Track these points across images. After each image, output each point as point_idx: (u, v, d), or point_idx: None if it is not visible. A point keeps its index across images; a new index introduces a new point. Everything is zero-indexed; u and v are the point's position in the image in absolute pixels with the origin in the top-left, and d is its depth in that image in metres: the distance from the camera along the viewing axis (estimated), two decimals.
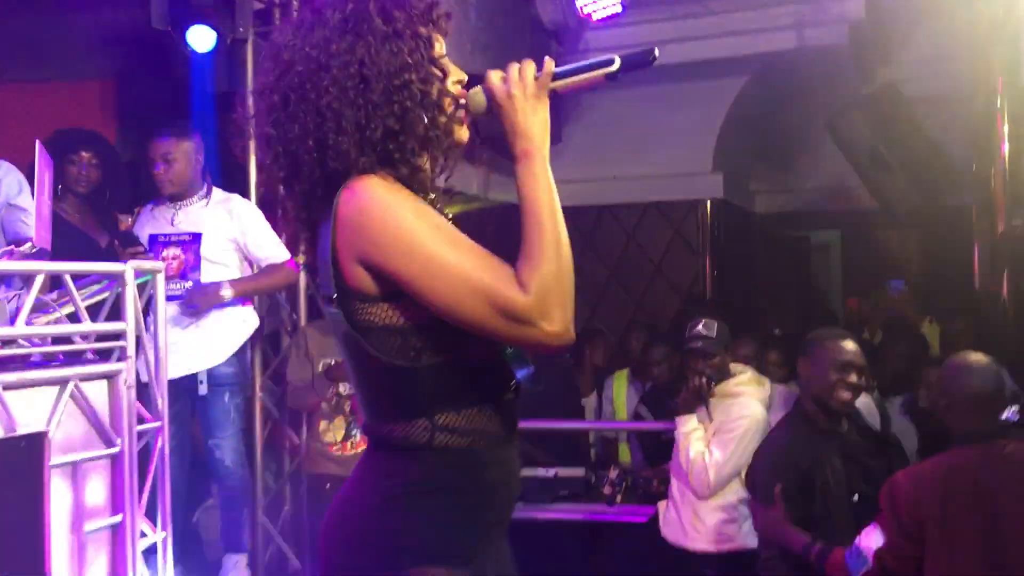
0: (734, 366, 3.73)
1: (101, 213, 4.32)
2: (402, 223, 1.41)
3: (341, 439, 4.51)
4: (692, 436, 3.62)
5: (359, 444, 4.53)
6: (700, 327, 3.68)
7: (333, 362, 4.50)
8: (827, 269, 8.96)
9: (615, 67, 1.52)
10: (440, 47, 1.55)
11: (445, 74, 1.54)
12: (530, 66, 1.52)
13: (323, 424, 4.51)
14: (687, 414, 3.66)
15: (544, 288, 1.39)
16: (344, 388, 4.50)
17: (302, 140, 1.46)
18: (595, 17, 4.91)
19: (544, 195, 1.47)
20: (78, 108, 5.34)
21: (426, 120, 1.49)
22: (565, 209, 1.49)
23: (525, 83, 1.51)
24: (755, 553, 3.22)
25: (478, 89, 1.55)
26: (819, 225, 8.71)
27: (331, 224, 1.43)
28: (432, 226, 1.43)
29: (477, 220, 6.89)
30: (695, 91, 6.65)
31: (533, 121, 1.51)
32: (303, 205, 1.52)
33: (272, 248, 4.05)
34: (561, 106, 6.24)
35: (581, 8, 4.91)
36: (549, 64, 1.52)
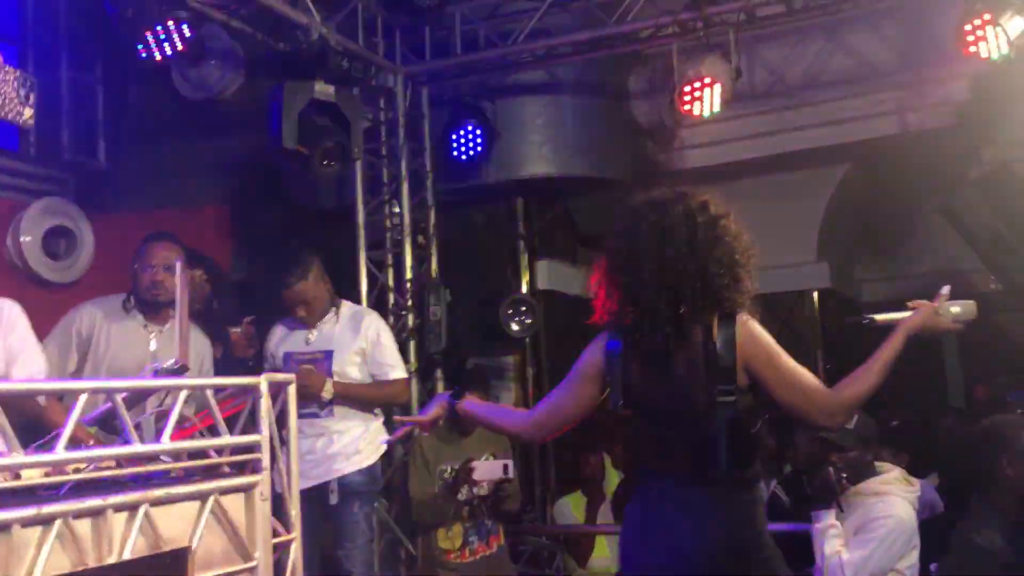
0: (881, 464, 3.54)
1: (212, 326, 4.46)
2: (774, 346, 2.36)
3: (460, 546, 4.44)
4: (828, 533, 3.43)
5: (477, 551, 4.45)
6: None
7: (450, 468, 4.48)
8: (943, 357, 8.59)
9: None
10: None
11: None
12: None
13: (441, 532, 4.45)
14: (824, 509, 3.48)
15: (844, 401, 2.33)
16: (462, 494, 4.45)
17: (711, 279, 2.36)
18: (696, 114, 4.92)
19: (890, 363, 2.36)
20: (197, 232, 5.59)
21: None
22: None
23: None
24: None
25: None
26: None
27: (730, 341, 2.32)
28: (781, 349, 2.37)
29: (581, 317, 6.89)
30: (796, 180, 6.58)
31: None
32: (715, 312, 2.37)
33: (391, 364, 4.08)
34: None
35: (681, 106, 4.93)
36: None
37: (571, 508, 5.93)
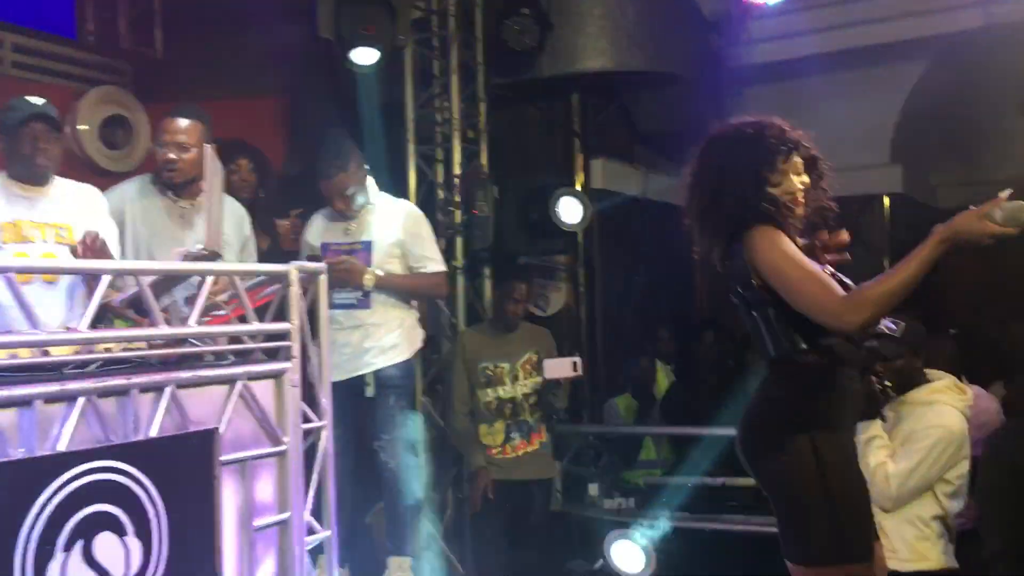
0: (932, 372, 3.42)
1: (259, 218, 4.46)
2: (776, 257, 2.37)
3: (501, 443, 4.49)
4: (872, 444, 3.35)
5: (519, 447, 4.49)
6: (883, 323, 3.39)
7: (492, 365, 4.49)
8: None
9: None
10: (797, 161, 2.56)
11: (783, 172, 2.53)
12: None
13: (483, 428, 4.50)
14: (868, 419, 3.38)
15: (858, 301, 2.27)
16: (504, 392, 4.47)
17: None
18: (761, 2, 4.66)
19: (917, 268, 2.25)
20: (251, 123, 5.55)
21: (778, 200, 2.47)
22: None
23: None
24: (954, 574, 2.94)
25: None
26: None
27: (739, 252, 2.41)
28: (792, 253, 2.36)
29: (636, 217, 6.76)
30: (870, 78, 6.24)
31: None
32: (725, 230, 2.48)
33: (430, 256, 4.04)
34: (726, 95, 6.00)
35: None
36: None
37: (620, 409, 5.93)
